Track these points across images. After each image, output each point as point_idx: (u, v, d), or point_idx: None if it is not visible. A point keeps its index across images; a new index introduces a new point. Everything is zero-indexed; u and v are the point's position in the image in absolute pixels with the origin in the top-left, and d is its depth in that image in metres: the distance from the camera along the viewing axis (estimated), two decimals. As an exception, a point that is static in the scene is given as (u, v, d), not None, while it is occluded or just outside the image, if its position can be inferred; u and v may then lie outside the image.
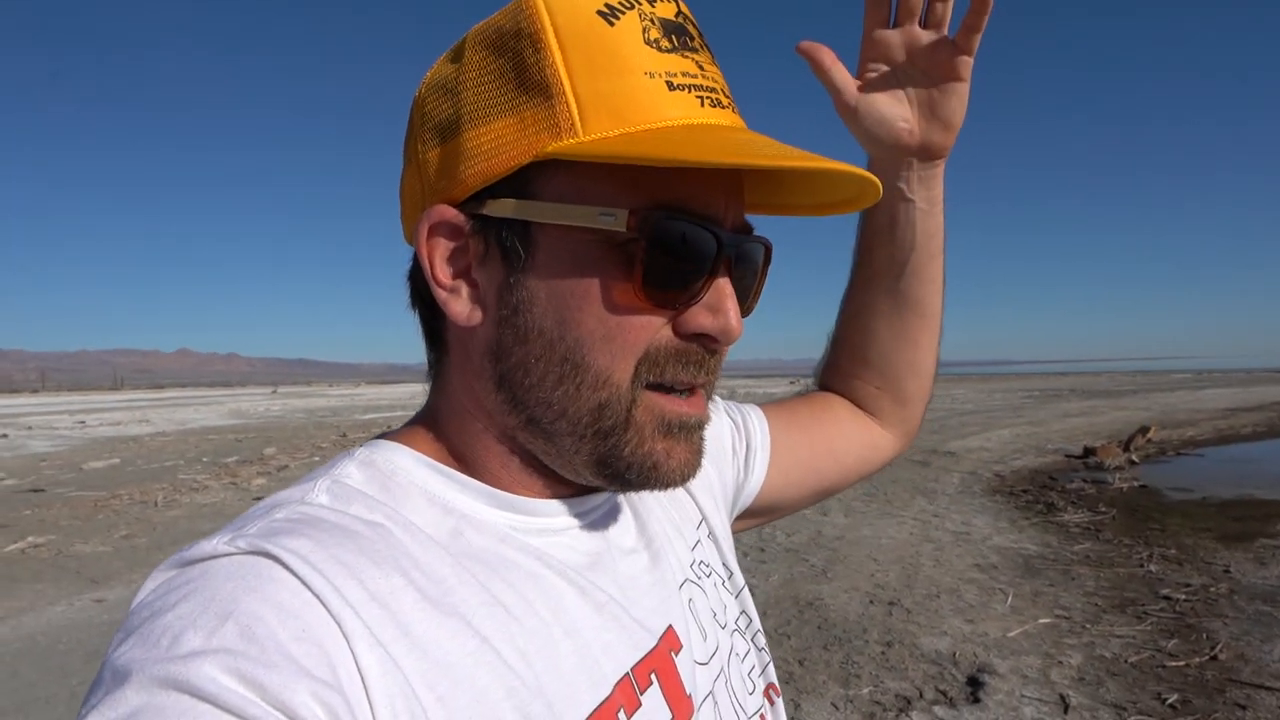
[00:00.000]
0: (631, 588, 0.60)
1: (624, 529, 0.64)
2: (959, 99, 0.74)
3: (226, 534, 0.46)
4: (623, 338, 0.52)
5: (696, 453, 0.57)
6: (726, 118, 0.53)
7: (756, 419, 0.88)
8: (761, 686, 0.71)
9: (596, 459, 0.54)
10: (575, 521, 0.59)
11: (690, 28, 0.55)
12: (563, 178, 0.51)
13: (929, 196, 0.80)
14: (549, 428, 0.54)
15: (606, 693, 0.52)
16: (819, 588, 5.56)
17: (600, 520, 0.62)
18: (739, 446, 0.86)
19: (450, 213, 0.53)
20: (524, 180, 0.51)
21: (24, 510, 9.12)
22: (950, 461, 11.78)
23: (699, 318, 0.53)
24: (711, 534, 0.75)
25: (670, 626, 0.61)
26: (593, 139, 0.49)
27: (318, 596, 0.43)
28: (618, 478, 0.55)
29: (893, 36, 0.73)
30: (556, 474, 0.58)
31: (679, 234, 0.51)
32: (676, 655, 0.59)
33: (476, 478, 0.57)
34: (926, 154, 0.77)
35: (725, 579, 0.73)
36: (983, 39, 0.71)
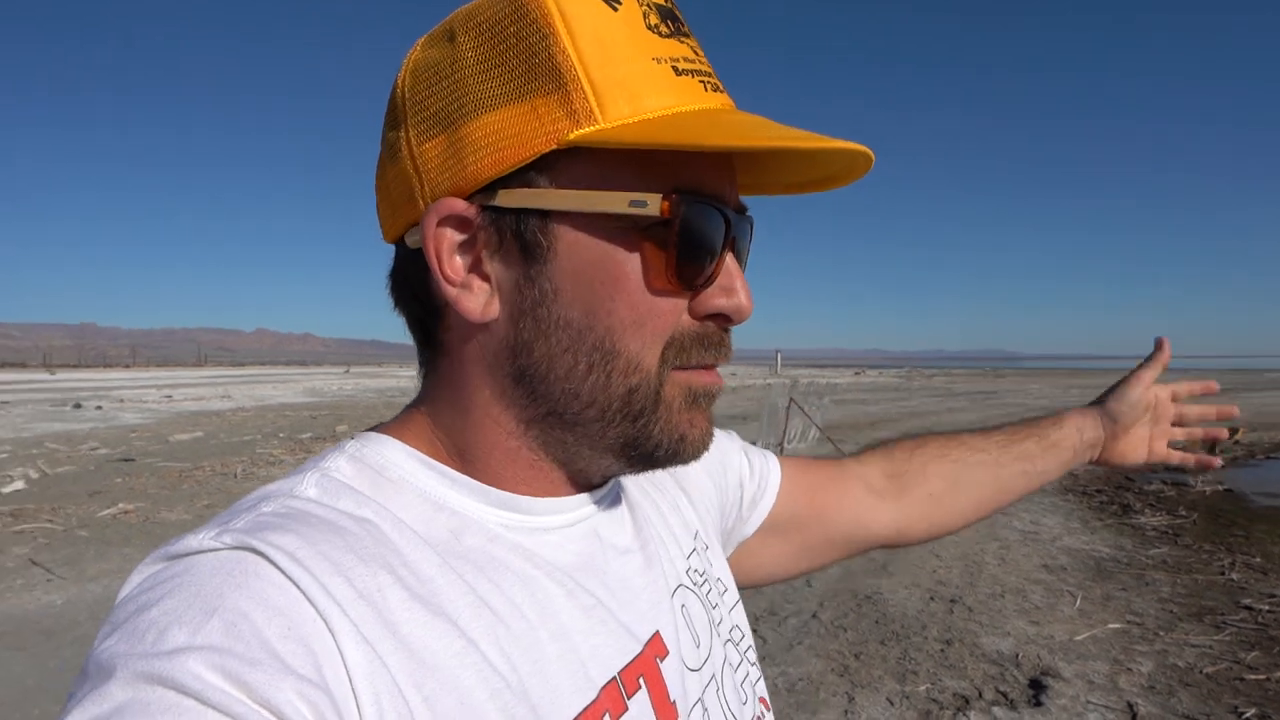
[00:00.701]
0: (622, 590, 0.59)
1: (619, 530, 0.63)
2: (1155, 455, 1.07)
3: (213, 528, 0.45)
4: (653, 323, 0.52)
5: (712, 424, 0.59)
6: (724, 101, 0.54)
7: (775, 474, 0.90)
8: (755, 697, 0.70)
9: (624, 442, 0.55)
10: (569, 521, 0.58)
11: (678, 13, 0.55)
12: (581, 165, 0.50)
13: (1071, 461, 1.03)
14: (575, 417, 0.54)
15: (593, 697, 0.51)
16: (878, 581, 5.50)
17: (595, 521, 0.61)
18: (748, 486, 0.87)
19: (460, 205, 0.51)
20: (538, 169, 0.50)
21: (115, 479, 9.65)
22: (1020, 459, 11.44)
23: (714, 298, 0.54)
24: (708, 545, 0.76)
25: (657, 632, 0.60)
26: (616, 125, 0.48)
27: (304, 594, 0.42)
28: (645, 457, 0.55)
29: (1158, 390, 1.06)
30: (560, 470, 0.57)
31: (704, 216, 0.51)
32: (662, 661, 0.58)
33: (472, 475, 0.56)
34: (1111, 454, 1.06)
35: (720, 591, 0.73)
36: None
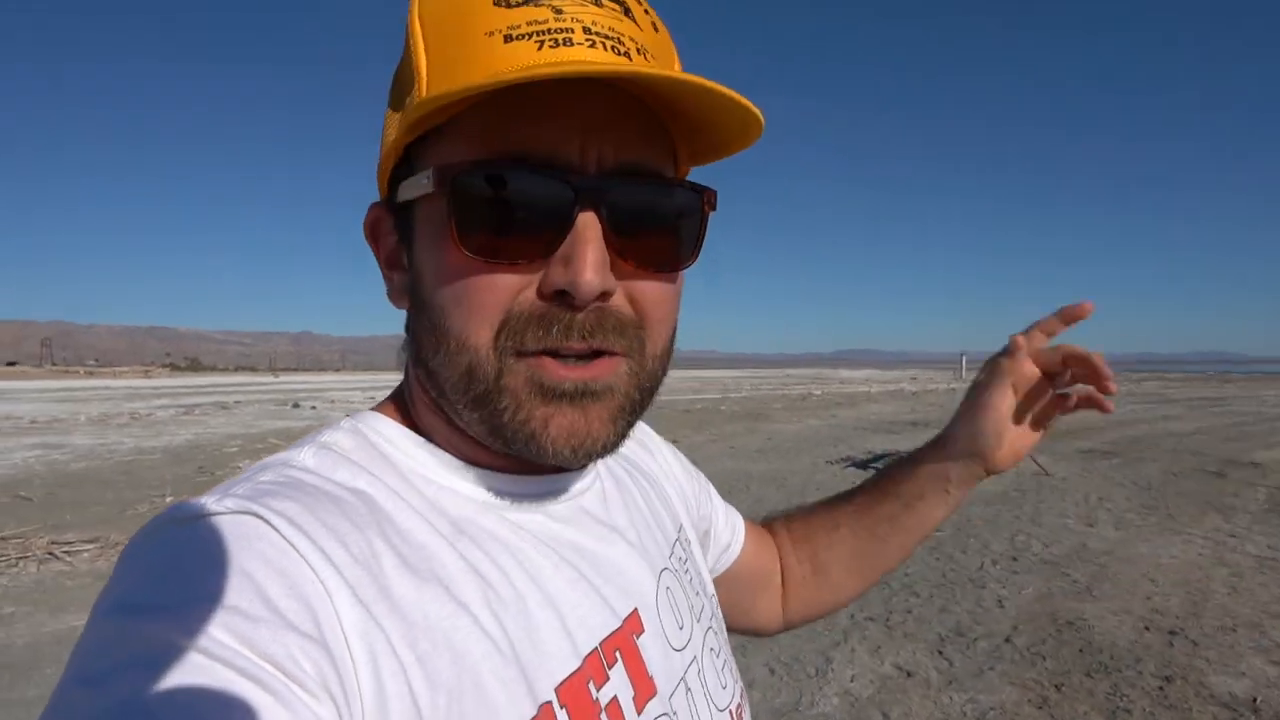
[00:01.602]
0: (606, 566, 0.60)
1: (604, 508, 0.65)
2: (1032, 443, 0.86)
3: (215, 494, 0.47)
4: (470, 300, 0.50)
5: (591, 424, 0.52)
6: (579, 54, 0.48)
7: (742, 532, 0.94)
8: (735, 684, 0.71)
9: (487, 428, 0.53)
10: (553, 497, 0.60)
11: None
12: (425, 157, 0.52)
13: (960, 497, 0.89)
14: (448, 398, 0.54)
15: (577, 664, 0.53)
16: (1081, 606, 4.99)
17: (582, 499, 0.63)
18: (719, 530, 0.90)
19: (376, 209, 0.59)
20: (411, 165, 0.54)
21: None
22: (1254, 474, 10.09)
23: (553, 273, 0.50)
24: (690, 540, 0.78)
25: (635, 609, 0.61)
26: (413, 107, 0.49)
27: (303, 556, 0.44)
28: (509, 447, 0.53)
29: (1032, 369, 0.82)
30: (501, 453, 0.57)
31: (489, 185, 0.49)
32: (639, 638, 0.59)
33: (454, 451, 0.58)
34: (993, 470, 0.86)
35: (700, 583, 0.75)
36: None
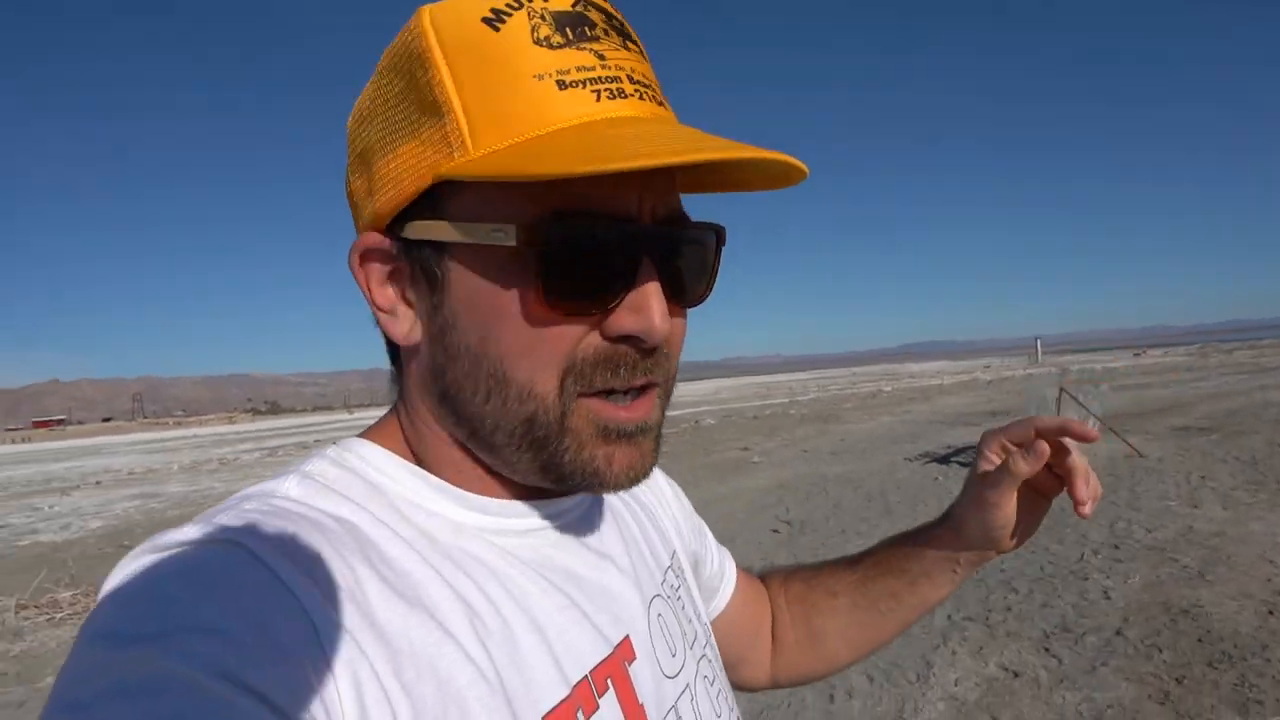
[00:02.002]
0: (597, 593, 0.60)
1: (596, 534, 0.64)
2: (1037, 523, 0.81)
3: (198, 524, 0.47)
4: (540, 350, 0.51)
5: (644, 456, 0.56)
6: (631, 107, 0.50)
7: (731, 579, 0.91)
8: (730, 711, 0.71)
9: (539, 466, 0.54)
10: (545, 524, 0.59)
11: (592, 13, 0.52)
12: (466, 196, 0.51)
13: (966, 576, 0.86)
14: (488, 440, 0.54)
15: (566, 693, 0.52)
16: (1195, 593, 4.72)
17: (571, 524, 0.62)
18: (708, 571, 0.88)
19: (376, 238, 0.54)
20: (433, 201, 0.51)
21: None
22: (1371, 441, 9.45)
23: (622, 319, 0.51)
24: (683, 569, 0.77)
25: (627, 636, 0.60)
26: (481, 155, 0.48)
27: (285, 585, 0.43)
28: (563, 482, 0.55)
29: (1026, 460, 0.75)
30: (506, 481, 0.58)
31: (576, 240, 0.49)
32: (630, 665, 0.59)
33: (445, 479, 0.57)
34: (1004, 552, 0.82)
35: (694, 610, 0.74)
36: None
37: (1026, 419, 0.76)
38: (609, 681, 0.56)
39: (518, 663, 0.51)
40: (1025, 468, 0.73)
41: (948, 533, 0.83)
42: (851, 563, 0.92)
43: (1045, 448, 0.72)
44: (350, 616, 0.45)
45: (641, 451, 0.56)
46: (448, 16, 0.50)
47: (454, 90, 0.49)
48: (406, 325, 0.55)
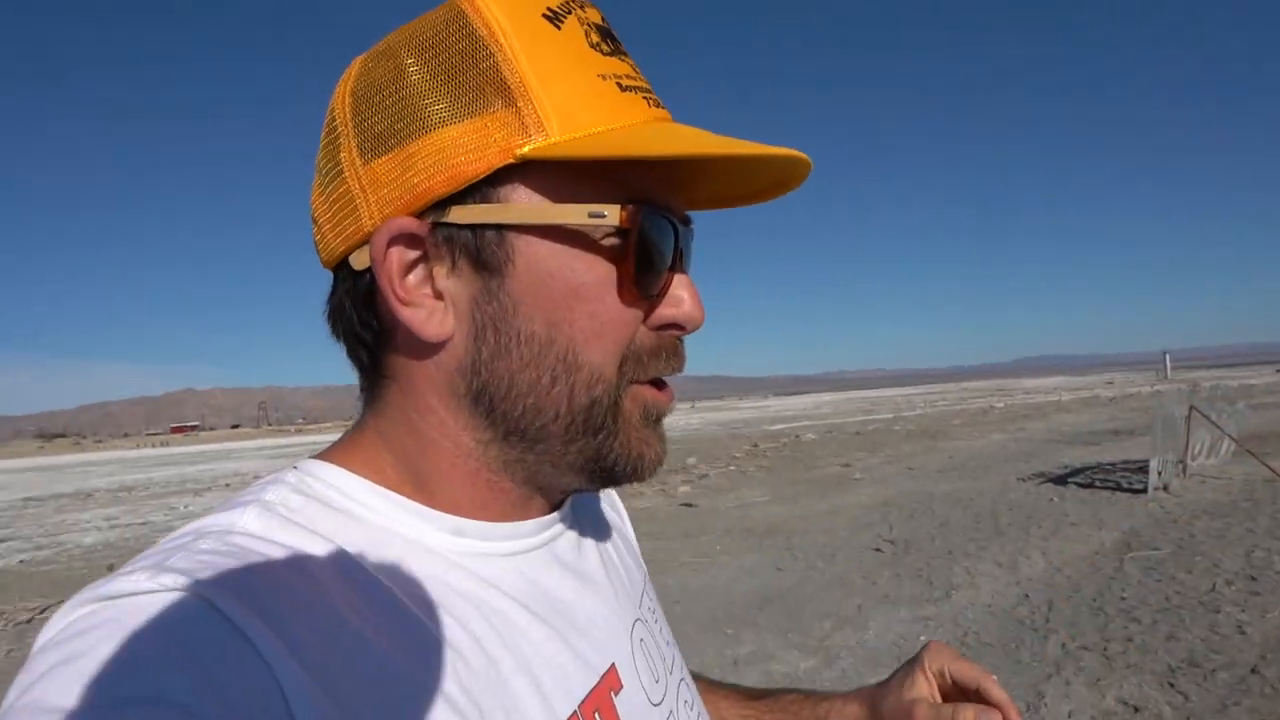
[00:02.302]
0: (582, 620, 0.58)
1: (579, 559, 0.63)
2: None
3: (147, 569, 0.41)
4: (613, 333, 0.52)
5: (665, 444, 0.58)
6: (665, 116, 0.54)
7: None
8: None
9: (585, 458, 0.54)
10: (528, 547, 0.57)
11: (615, 33, 0.55)
12: (533, 179, 0.50)
13: None
14: (538, 433, 0.53)
15: None
16: (1345, 631, 4.34)
17: (555, 547, 0.60)
18: None
19: (411, 223, 0.50)
20: (491, 185, 0.50)
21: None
22: None
23: (667, 309, 0.54)
24: (651, 589, 0.75)
25: (614, 664, 0.58)
26: (569, 138, 0.48)
27: (250, 642, 0.39)
28: (605, 473, 0.55)
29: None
30: (519, 491, 0.56)
31: (658, 227, 0.52)
32: (616, 695, 0.57)
33: (426, 500, 0.53)
34: None
35: (667, 634, 0.72)
36: None
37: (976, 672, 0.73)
38: (597, 715, 0.54)
39: (504, 706, 0.48)
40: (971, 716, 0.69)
41: (858, 712, 0.79)
42: (749, 696, 0.87)
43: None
44: (322, 673, 0.41)
45: (663, 439, 0.58)
46: (507, 4, 0.51)
47: (525, 74, 0.49)
48: (436, 319, 0.51)
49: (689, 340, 0.59)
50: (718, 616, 5.49)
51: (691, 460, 16.31)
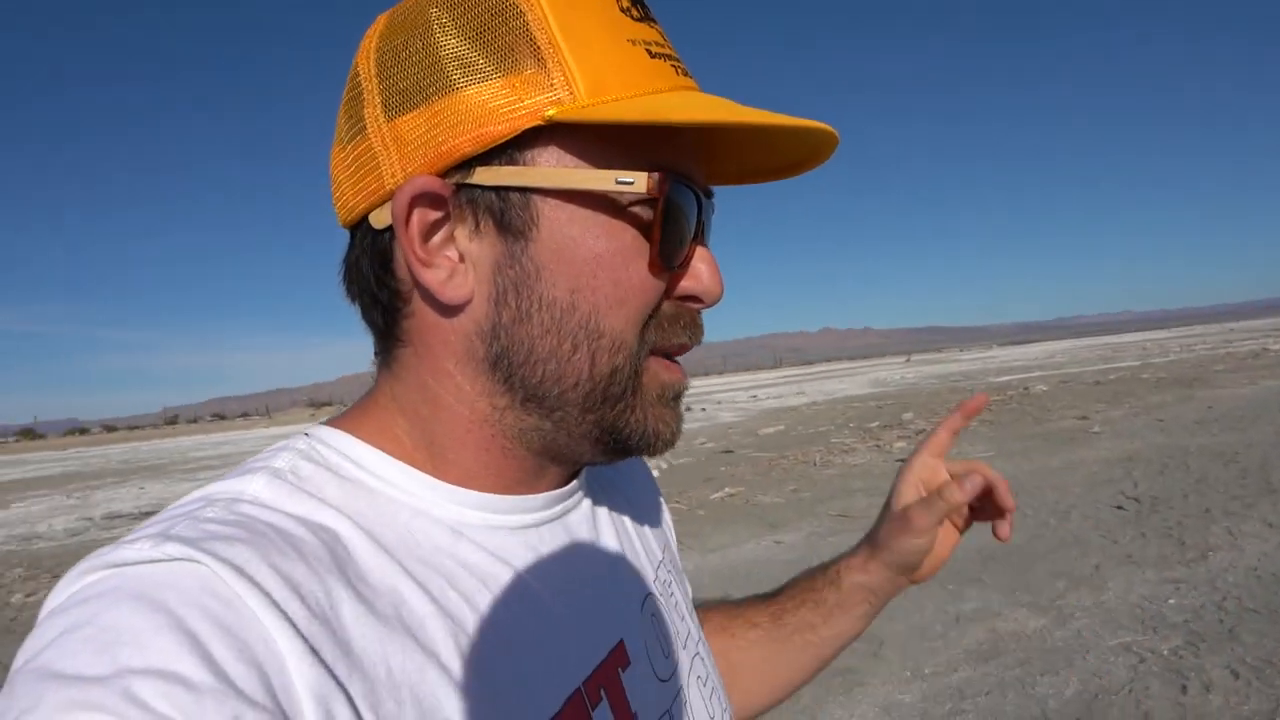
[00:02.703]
0: (591, 595, 0.57)
1: (591, 532, 0.62)
2: (948, 555, 0.87)
3: (152, 535, 0.41)
4: (635, 300, 0.51)
5: (680, 419, 0.57)
6: (692, 85, 0.53)
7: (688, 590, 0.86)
8: (723, 711, 0.68)
9: (602, 428, 0.53)
10: (539, 521, 0.56)
11: None
12: (560, 143, 0.49)
13: (876, 610, 0.86)
14: (555, 401, 0.52)
15: (557, 708, 0.50)
16: None
17: (567, 521, 0.59)
18: None
19: (435, 183, 0.49)
20: (518, 146, 0.49)
21: (720, 467, 11.37)
22: None
23: (688, 281, 0.54)
24: (675, 563, 0.75)
25: (621, 640, 0.58)
26: (600, 101, 0.47)
27: (254, 611, 0.39)
28: (619, 445, 0.54)
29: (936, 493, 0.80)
30: (533, 460, 0.55)
31: (684, 198, 0.52)
32: (624, 671, 0.56)
33: (438, 471, 0.53)
34: (918, 581, 0.86)
35: (686, 605, 0.72)
36: None
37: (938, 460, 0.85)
38: (601, 691, 0.53)
39: (506, 682, 0.48)
40: (960, 496, 0.77)
41: (865, 559, 0.84)
42: (770, 596, 0.90)
43: (980, 480, 0.77)
44: (324, 644, 0.41)
45: (680, 415, 0.57)
46: None
47: (556, 35, 0.48)
48: (457, 281, 0.50)
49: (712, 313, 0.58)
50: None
51: (908, 415, 15.73)
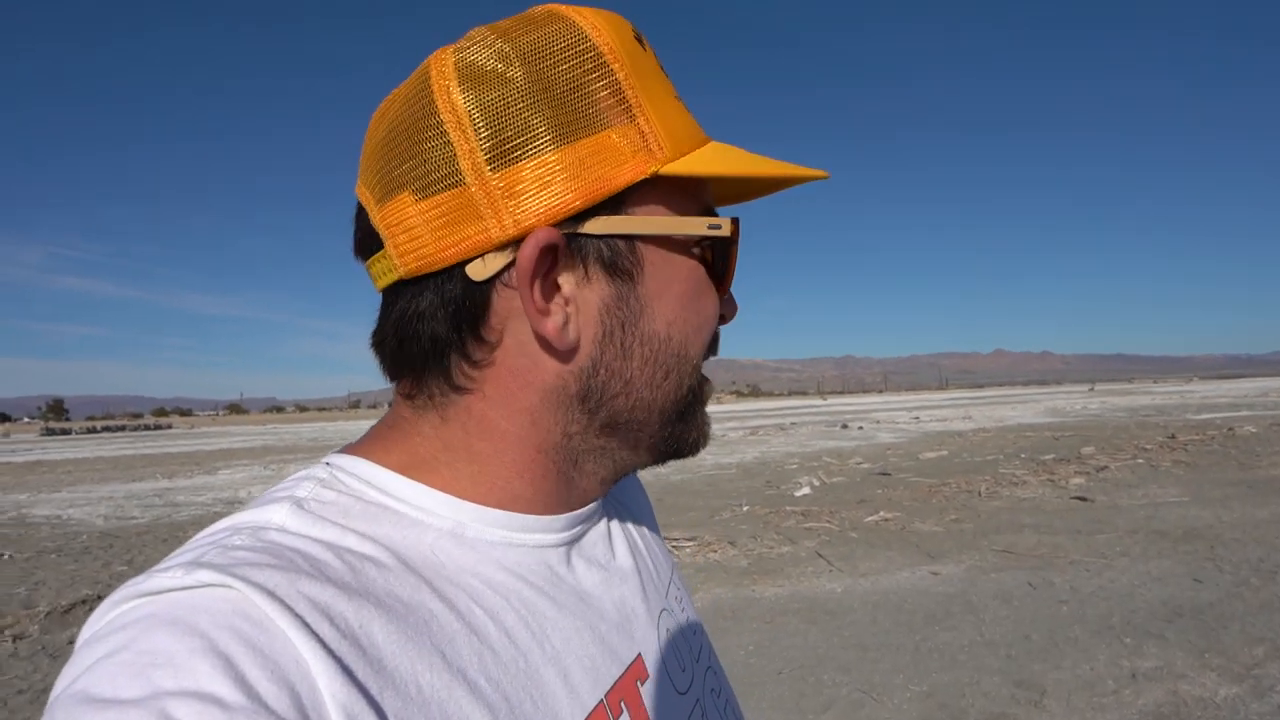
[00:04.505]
0: (611, 610, 0.59)
1: (608, 550, 0.63)
2: None
3: (184, 564, 0.42)
4: (709, 327, 0.58)
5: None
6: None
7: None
8: None
9: (666, 439, 0.59)
10: (559, 541, 0.58)
11: None
12: (657, 193, 0.54)
13: None
14: (640, 424, 0.57)
15: None
16: None
17: (585, 542, 0.61)
18: None
19: (556, 235, 0.50)
20: (621, 198, 0.52)
21: (876, 490, 11.00)
22: None
23: (726, 304, 0.61)
24: (681, 579, 0.76)
25: (640, 654, 0.59)
26: (682, 155, 0.53)
27: (285, 633, 0.40)
28: (674, 452, 0.60)
29: None
30: (568, 480, 0.58)
31: (737, 235, 0.57)
32: (642, 684, 0.58)
33: (458, 494, 0.53)
34: None
35: (695, 623, 0.73)
36: None
37: None
38: (622, 704, 0.55)
39: (532, 696, 0.49)
40: None
41: None
42: None
43: None
44: (355, 664, 0.42)
45: (710, 421, 0.63)
46: (609, 25, 0.53)
47: (642, 93, 0.52)
48: (572, 326, 0.52)
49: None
50: (1114, 624, 4.94)
51: (1088, 449, 14.57)
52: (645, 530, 0.74)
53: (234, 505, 12.59)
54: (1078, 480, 10.82)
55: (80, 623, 5.89)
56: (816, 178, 0.59)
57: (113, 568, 7.94)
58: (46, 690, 4.63)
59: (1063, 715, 3.79)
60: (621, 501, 0.73)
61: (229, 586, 0.41)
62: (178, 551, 0.46)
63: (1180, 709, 3.79)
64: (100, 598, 6.42)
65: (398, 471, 0.53)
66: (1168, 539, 7.01)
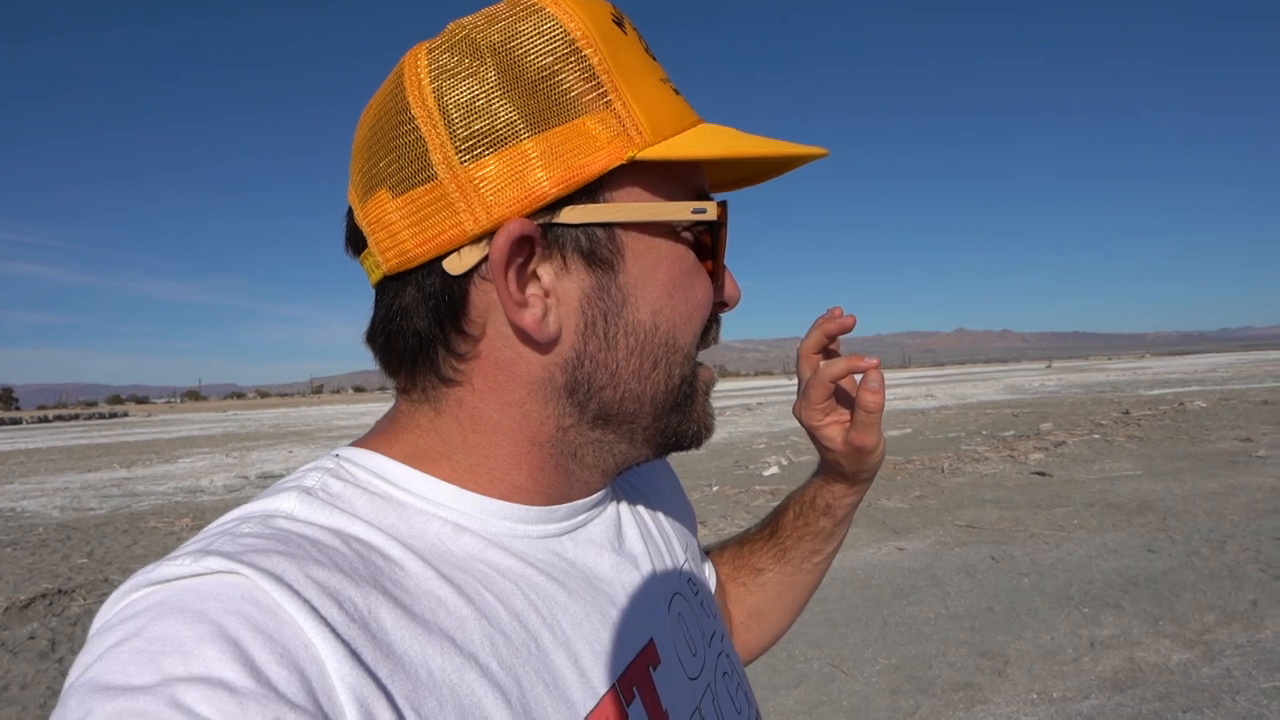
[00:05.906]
0: (621, 596, 0.59)
1: (619, 534, 0.63)
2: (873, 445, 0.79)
3: (193, 552, 0.43)
4: (700, 314, 0.57)
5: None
6: (695, 114, 0.57)
7: (712, 573, 0.87)
8: (750, 706, 0.70)
9: (663, 432, 0.58)
10: (567, 529, 0.58)
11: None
12: (635, 179, 0.52)
13: (851, 514, 0.89)
14: (629, 415, 0.56)
15: (593, 705, 0.51)
16: None
17: (595, 526, 0.61)
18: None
19: (529, 226, 0.49)
20: (599, 185, 0.51)
21: (842, 468, 11.11)
22: None
23: (723, 289, 0.59)
24: (699, 561, 0.78)
25: (652, 639, 0.59)
26: (663, 139, 0.52)
27: (295, 618, 0.40)
28: (674, 444, 0.59)
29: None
30: (575, 471, 0.58)
31: (726, 219, 0.56)
32: (655, 670, 0.58)
33: (477, 487, 0.54)
34: (861, 479, 0.86)
35: (711, 606, 0.73)
36: None
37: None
38: (634, 689, 0.55)
39: (544, 679, 0.49)
40: (877, 400, 0.74)
41: (841, 485, 0.86)
42: (769, 535, 0.92)
43: (874, 375, 0.73)
44: (364, 648, 0.42)
45: (714, 411, 0.62)
46: (583, 10, 0.51)
47: (620, 78, 0.51)
48: (551, 317, 0.52)
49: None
50: (1072, 594, 5.10)
51: (1046, 425, 14.92)
52: (660, 515, 0.74)
53: (197, 494, 12.41)
54: (1037, 456, 11.09)
55: (40, 617, 5.78)
56: (814, 156, 0.56)
57: (72, 560, 7.75)
58: (8, 687, 4.54)
59: (1025, 684, 3.90)
60: (636, 486, 0.73)
61: (237, 573, 0.41)
62: (190, 540, 0.46)
63: (1136, 675, 3.93)
64: (60, 591, 6.30)
65: (402, 463, 0.54)
66: (1122, 511, 7.21)
